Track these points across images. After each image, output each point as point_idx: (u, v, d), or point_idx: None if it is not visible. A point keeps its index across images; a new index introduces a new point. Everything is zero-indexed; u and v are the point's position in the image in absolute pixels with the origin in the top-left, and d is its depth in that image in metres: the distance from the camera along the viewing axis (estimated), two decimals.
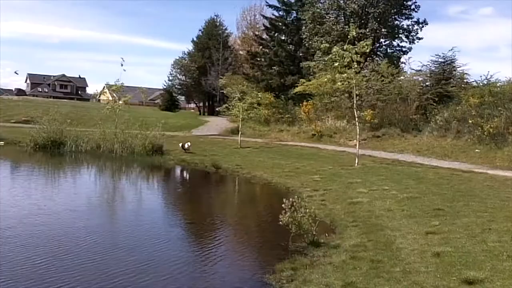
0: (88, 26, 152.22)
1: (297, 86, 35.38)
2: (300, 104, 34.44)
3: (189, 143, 21.85)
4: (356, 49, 17.21)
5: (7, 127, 27.86)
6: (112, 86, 25.61)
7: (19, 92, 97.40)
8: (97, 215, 10.66)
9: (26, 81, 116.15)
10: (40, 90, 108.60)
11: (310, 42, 37.66)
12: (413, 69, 32.23)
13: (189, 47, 67.23)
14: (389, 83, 29.00)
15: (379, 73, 29.47)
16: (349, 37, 18.03)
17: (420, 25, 37.38)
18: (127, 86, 28.21)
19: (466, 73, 29.36)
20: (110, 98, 32.13)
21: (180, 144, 22.13)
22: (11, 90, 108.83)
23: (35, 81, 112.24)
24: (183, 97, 72.61)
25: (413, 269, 6.27)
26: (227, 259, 7.72)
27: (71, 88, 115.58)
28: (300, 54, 42.73)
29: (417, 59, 77.36)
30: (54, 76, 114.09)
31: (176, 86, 66.41)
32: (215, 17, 65.93)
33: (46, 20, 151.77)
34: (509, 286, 5.46)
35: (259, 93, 29.99)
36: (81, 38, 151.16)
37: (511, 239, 7.34)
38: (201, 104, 69.67)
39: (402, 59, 37.65)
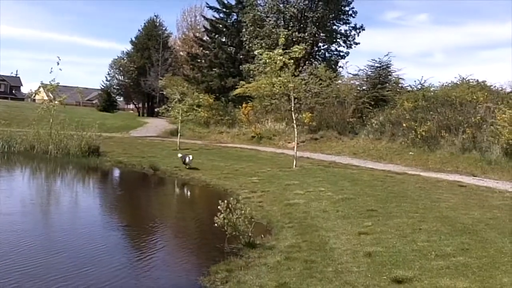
0: (25, 24, 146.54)
1: (237, 88, 35.49)
2: (240, 106, 34.60)
3: (190, 156, 17.87)
4: (289, 53, 17.50)
5: None
6: (47, 86, 24.77)
7: None
8: (33, 219, 10.35)
9: None
10: None
11: (250, 44, 37.85)
12: (350, 73, 33.13)
13: (128, 47, 66.08)
14: (327, 86, 29.61)
15: (317, 77, 30.03)
16: (279, 43, 18.35)
17: (357, 31, 38.40)
18: (64, 86, 27.44)
19: (401, 78, 30.52)
20: (46, 98, 31.07)
21: (180, 156, 18.70)
22: None
23: None
24: (121, 97, 71.26)
25: (345, 269, 6.44)
26: (163, 262, 7.68)
27: (5, 87, 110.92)
28: (241, 57, 42.86)
29: (355, 64, 79.54)
30: None
31: (115, 86, 65.14)
32: (154, 17, 65.15)
33: None
34: (436, 284, 5.70)
35: (199, 95, 29.86)
36: (17, 36, 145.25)
37: (439, 239, 7.68)
38: (140, 105, 68.63)
39: (340, 64, 38.52)
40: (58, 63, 23.34)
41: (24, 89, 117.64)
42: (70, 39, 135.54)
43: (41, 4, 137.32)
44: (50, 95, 27.25)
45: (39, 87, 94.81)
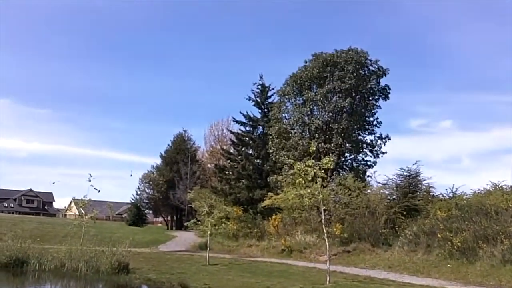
0: (56, 141, 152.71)
1: (265, 200, 35.47)
2: (269, 218, 34.34)
3: None
4: (319, 165, 17.59)
5: None
6: (79, 202, 25.17)
7: None
8: None
9: None
10: (6, 205, 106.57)
11: (276, 156, 38.41)
12: (379, 183, 32.86)
13: (158, 161, 67.66)
14: (357, 196, 29.36)
15: (346, 187, 29.92)
16: (310, 151, 18.50)
17: (383, 140, 38.64)
18: (94, 201, 27.81)
19: (432, 186, 30.12)
20: (77, 213, 31.49)
21: None
22: None
23: (1, 196, 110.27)
24: (150, 211, 71.70)
25: None
26: None
27: (38, 203, 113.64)
28: (268, 168, 43.30)
29: (383, 173, 79.16)
30: (20, 191, 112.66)
31: (144, 200, 65.81)
32: (183, 132, 67.26)
33: (14, 134, 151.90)
34: None
35: (227, 207, 29.85)
36: (49, 152, 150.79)
37: None
38: (169, 218, 68.72)
39: (368, 173, 38.36)
40: (89, 180, 23.88)
41: (56, 204, 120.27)
42: (100, 154, 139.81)
43: (71, 121, 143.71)
44: (82, 211, 27.61)
45: (70, 202, 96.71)
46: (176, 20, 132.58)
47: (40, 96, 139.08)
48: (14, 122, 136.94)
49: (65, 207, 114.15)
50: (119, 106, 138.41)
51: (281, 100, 40.23)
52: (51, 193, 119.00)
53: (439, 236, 22.28)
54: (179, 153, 63.50)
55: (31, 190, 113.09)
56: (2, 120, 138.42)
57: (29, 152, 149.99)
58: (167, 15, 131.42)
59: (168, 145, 67.23)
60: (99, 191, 24.77)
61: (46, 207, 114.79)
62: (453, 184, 29.01)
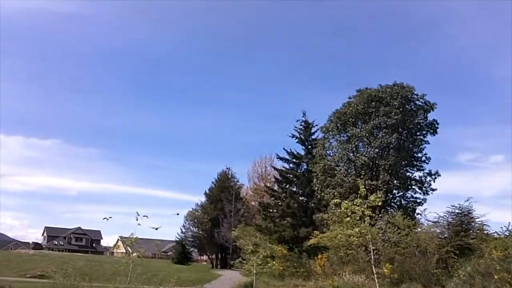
0: (104, 179, 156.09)
1: (311, 238, 34.83)
2: (315, 257, 33.62)
3: None
4: (367, 203, 17.13)
5: (21, 282, 27.31)
6: (126, 240, 25.29)
7: (36, 245, 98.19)
8: None
9: (43, 234, 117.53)
10: (56, 243, 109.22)
11: (322, 193, 37.89)
12: (429, 221, 31.76)
13: (202, 198, 68.04)
14: (406, 235, 28.42)
15: (395, 225, 29.07)
16: (360, 193, 18.00)
17: (433, 176, 37.58)
18: (141, 239, 27.94)
19: (485, 224, 28.92)
20: (124, 251, 31.69)
21: None
22: (28, 243, 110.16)
23: (52, 234, 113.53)
24: (195, 249, 71.74)
25: None
26: None
27: (86, 241, 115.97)
28: (312, 205, 42.73)
29: (433, 210, 77.02)
30: (70, 229, 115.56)
31: (189, 238, 65.99)
32: (226, 169, 67.58)
33: (64, 173, 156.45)
34: None
35: (272, 246, 29.46)
36: (97, 190, 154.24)
37: None
38: (213, 257, 68.54)
39: (417, 210, 37.22)
40: (137, 219, 23.99)
41: (104, 242, 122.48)
42: (146, 192, 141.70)
43: (121, 160, 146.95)
44: (129, 249, 27.73)
45: (117, 240, 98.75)
46: (216, 58, 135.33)
47: (88, 136, 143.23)
48: (64, 161, 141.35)
49: (112, 245, 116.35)
50: (164, 144, 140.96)
51: (325, 136, 40.00)
52: (99, 231, 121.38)
53: (496, 277, 21.12)
54: (223, 191, 63.72)
55: (80, 228, 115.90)
56: (52, 160, 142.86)
57: (78, 190, 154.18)
58: (201, 53, 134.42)
59: (212, 183, 67.79)
60: (157, 229, 24.87)
61: (94, 245, 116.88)
62: (509, 222, 27.72)
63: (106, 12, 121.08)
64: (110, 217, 22.12)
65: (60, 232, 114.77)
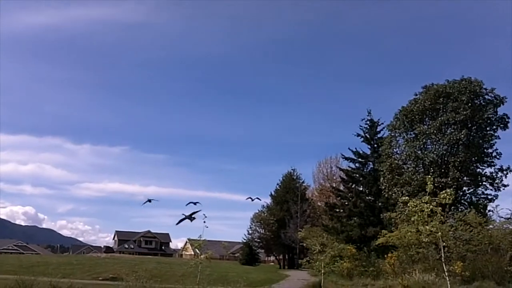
0: (171, 184, 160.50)
1: (379, 238, 34.39)
2: (384, 256, 33.17)
3: None
4: (436, 200, 16.80)
5: (95, 285, 28.55)
6: (194, 242, 26.07)
7: (108, 249, 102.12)
8: None
9: (114, 238, 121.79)
10: (127, 246, 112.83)
11: (389, 192, 37.34)
12: (502, 217, 30.66)
13: (268, 200, 68.46)
14: (478, 233, 27.59)
15: (466, 223, 28.26)
16: (427, 190, 17.67)
17: (505, 172, 36.26)
18: (208, 241, 28.66)
19: None
20: (192, 253, 32.64)
21: None
22: (100, 247, 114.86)
23: (122, 237, 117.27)
24: (262, 250, 72.30)
25: None
26: None
27: (156, 244, 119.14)
28: (380, 204, 42.17)
29: (505, 206, 74.11)
30: (140, 232, 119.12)
31: (256, 239, 66.60)
32: (291, 171, 67.68)
33: (133, 179, 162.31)
34: None
35: (340, 245, 29.38)
36: (165, 195, 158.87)
37: None
38: (280, 257, 68.81)
39: (488, 207, 36.01)
40: (204, 221, 24.66)
41: (173, 245, 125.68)
42: (212, 195, 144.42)
43: (187, 165, 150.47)
44: (197, 251, 28.52)
45: (186, 243, 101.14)
46: (280, 62, 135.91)
47: (156, 142, 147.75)
48: (132, 167, 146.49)
49: (181, 247, 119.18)
50: (229, 148, 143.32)
51: (392, 134, 39.38)
52: (168, 234, 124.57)
53: None
54: (289, 192, 63.89)
55: (149, 231, 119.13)
56: (122, 166, 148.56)
57: (146, 195, 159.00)
58: (266, 58, 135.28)
59: (278, 184, 68.09)
60: (207, 227, 25.57)
61: (163, 247, 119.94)
62: None
63: (177, 19, 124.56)
64: (152, 200, 22.74)
65: (130, 235, 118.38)
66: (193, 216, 22.83)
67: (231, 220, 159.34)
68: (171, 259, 66.63)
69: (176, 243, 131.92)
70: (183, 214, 22.21)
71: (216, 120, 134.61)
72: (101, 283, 30.25)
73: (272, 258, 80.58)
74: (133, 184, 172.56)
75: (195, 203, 21.83)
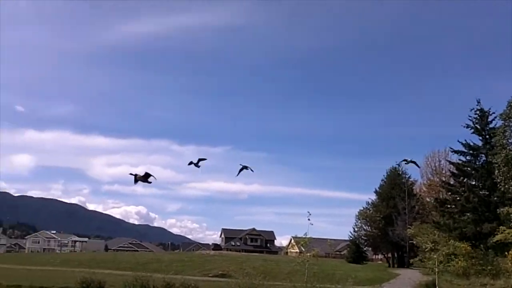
0: (273, 182, 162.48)
1: (496, 234, 32.28)
2: (505, 254, 31.07)
3: None
4: None
5: (206, 281, 29.46)
6: (300, 240, 25.93)
7: (216, 247, 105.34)
8: None
9: (220, 236, 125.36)
10: (233, 244, 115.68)
11: (506, 186, 34.90)
12: None
13: (372, 197, 66.78)
14: None
15: None
16: None
17: None
18: (314, 238, 28.44)
19: None
20: (298, 251, 32.59)
21: None
22: (208, 244, 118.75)
23: (228, 235, 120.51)
24: (369, 248, 70.75)
25: None
26: None
27: (261, 242, 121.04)
28: (495, 199, 39.53)
29: None
30: (245, 230, 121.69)
31: (362, 237, 65.29)
32: (397, 166, 65.42)
33: (236, 178, 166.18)
34: None
35: (454, 243, 27.91)
36: (267, 193, 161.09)
37: None
38: (389, 255, 66.86)
39: None
40: (308, 219, 24.46)
41: (277, 242, 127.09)
42: (314, 192, 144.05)
43: (288, 163, 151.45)
44: (302, 248, 28.37)
45: (291, 240, 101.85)
46: (376, 56, 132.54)
47: (256, 141, 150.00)
48: (235, 166, 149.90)
49: (284, 244, 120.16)
50: (330, 145, 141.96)
51: (505, 124, 36.76)
52: (272, 231, 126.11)
53: None
54: (394, 188, 61.85)
55: (254, 229, 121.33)
56: (224, 165, 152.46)
57: (249, 193, 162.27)
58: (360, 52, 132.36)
59: (382, 180, 66.18)
60: (312, 224, 25.54)
61: (268, 245, 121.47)
62: None
63: (274, 19, 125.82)
64: (203, 160, 25.05)
65: (236, 233, 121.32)
66: (199, 164, 25.55)
67: (335, 217, 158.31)
68: (277, 257, 67.08)
69: (280, 241, 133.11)
70: (191, 162, 25.38)
71: (315, 119, 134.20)
72: (212, 280, 31.17)
73: (380, 256, 78.70)
74: (237, 182, 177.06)
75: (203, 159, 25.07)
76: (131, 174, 23.04)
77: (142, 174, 22.64)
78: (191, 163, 25.76)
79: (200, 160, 25.78)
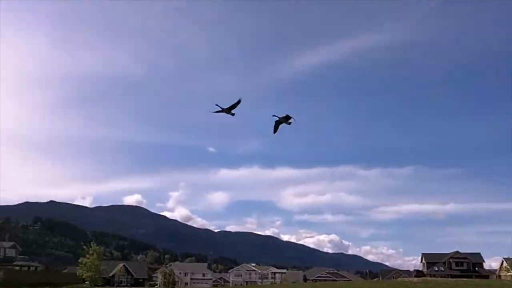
0: (471, 199, 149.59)
1: None
2: None
3: None
4: None
5: None
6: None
7: (418, 273, 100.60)
8: None
9: (421, 261, 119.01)
10: (436, 269, 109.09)
11: None
12: None
13: None
14: None
15: None
16: None
17: None
18: None
19: None
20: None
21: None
22: (408, 271, 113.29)
23: (430, 260, 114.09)
24: None
25: None
26: None
27: (467, 265, 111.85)
28: None
29: None
30: (448, 253, 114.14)
31: None
32: None
33: (427, 198, 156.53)
34: None
35: None
36: (465, 211, 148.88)
37: None
38: None
39: None
40: None
41: (486, 265, 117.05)
42: None
43: (485, 176, 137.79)
44: None
45: (502, 262, 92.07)
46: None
47: (444, 157, 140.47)
48: (425, 185, 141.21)
49: (497, 268, 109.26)
50: None
51: None
52: (479, 253, 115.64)
53: None
54: None
55: (458, 252, 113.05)
56: (414, 186, 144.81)
57: (446, 213, 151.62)
58: None
59: None
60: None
61: (476, 268, 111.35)
62: None
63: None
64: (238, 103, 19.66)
65: (437, 257, 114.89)
66: (232, 111, 20.34)
67: None
68: (490, 281, 60.28)
69: (490, 263, 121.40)
70: (216, 105, 20.28)
71: None
72: None
73: None
74: (429, 202, 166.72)
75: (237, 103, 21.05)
76: (216, 105, 21.02)
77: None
78: (217, 112, 21.82)
79: (232, 106, 21.85)
